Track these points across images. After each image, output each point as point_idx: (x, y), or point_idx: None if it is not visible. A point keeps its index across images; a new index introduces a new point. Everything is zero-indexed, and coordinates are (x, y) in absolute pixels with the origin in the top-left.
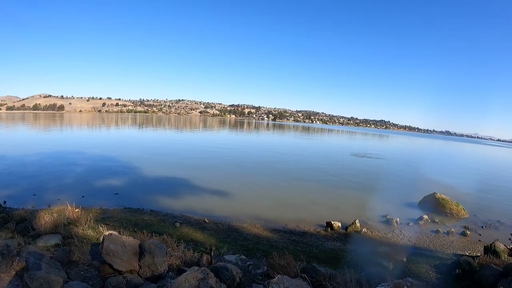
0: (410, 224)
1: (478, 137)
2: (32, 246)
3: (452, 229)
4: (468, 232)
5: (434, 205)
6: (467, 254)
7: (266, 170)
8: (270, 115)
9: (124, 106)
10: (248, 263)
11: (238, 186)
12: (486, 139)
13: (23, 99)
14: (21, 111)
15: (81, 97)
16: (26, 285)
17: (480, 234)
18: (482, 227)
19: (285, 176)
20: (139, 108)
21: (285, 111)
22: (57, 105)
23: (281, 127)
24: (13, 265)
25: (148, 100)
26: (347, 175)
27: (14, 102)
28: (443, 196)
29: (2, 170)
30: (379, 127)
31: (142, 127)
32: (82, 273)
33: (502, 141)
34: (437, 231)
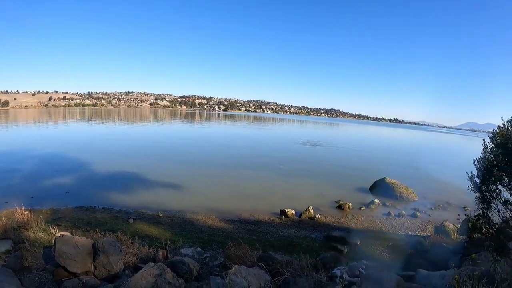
0: (362, 208)
1: (425, 124)
2: None
3: (403, 212)
4: (418, 214)
5: (385, 189)
6: (418, 234)
7: (218, 161)
8: (221, 106)
9: (72, 100)
10: (205, 255)
11: (191, 178)
12: (433, 126)
13: None
14: None
15: (27, 92)
16: None
17: (429, 215)
18: (432, 208)
19: (238, 166)
20: (87, 102)
21: (236, 101)
22: (1, 101)
23: (232, 117)
24: None
25: (96, 93)
26: (299, 163)
27: None
28: (393, 180)
29: None
30: (329, 115)
31: (90, 122)
32: (36, 278)
33: (448, 127)
34: (388, 214)
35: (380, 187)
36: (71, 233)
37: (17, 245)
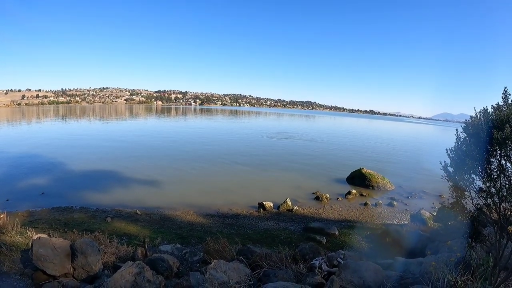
0: (340, 199)
1: (400, 115)
2: None
3: (380, 201)
4: (395, 203)
5: (361, 179)
6: (396, 223)
7: (194, 157)
8: (197, 100)
9: (46, 98)
10: (184, 251)
11: (168, 174)
12: (408, 117)
13: None
14: None
15: None
16: None
17: (406, 204)
18: (408, 197)
19: (215, 161)
20: (61, 99)
21: (212, 96)
22: None
23: (209, 111)
24: None
25: (70, 90)
26: (276, 157)
27: None
28: (369, 171)
29: None
30: (306, 108)
31: (64, 119)
32: (15, 283)
33: (423, 118)
34: (365, 204)
35: (356, 178)
36: (49, 235)
37: None
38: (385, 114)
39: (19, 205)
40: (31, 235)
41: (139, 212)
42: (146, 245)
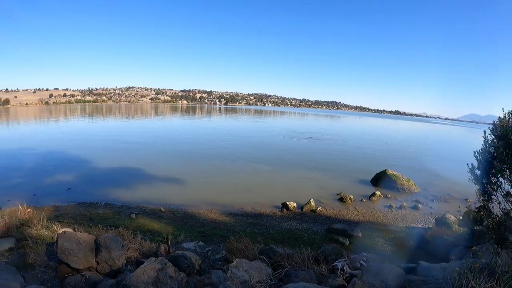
0: (364, 200)
1: (426, 116)
2: None
3: (404, 204)
4: (420, 206)
5: (386, 181)
6: (420, 226)
7: (218, 156)
8: (222, 99)
9: (72, 96)
10: (206, 249)
11: (192, 173)
12: (434, 118)
13: None
14: None
15: (27, 89)
16: None
17: (431, 207)
18: (433, 200)
19: (238, 161)
20: (88, 98)
21: (237, 95)
22: (2, 99)
23: (233, 111)
24: None
25: (97, 89)
26: (299, 156)
27: None
28: (394, 172)
29: None
30: (330, 108)
31: (91, 118)
32: (39, 275)
33: (450, 119)
34: (390, 206)
35: (381, 179)
36: (73, 229)
37: (20, 243)
38: (411, 114)
39: (46, 200)
40: (56, 229)
41: (163, 210)
42: (169, 242)
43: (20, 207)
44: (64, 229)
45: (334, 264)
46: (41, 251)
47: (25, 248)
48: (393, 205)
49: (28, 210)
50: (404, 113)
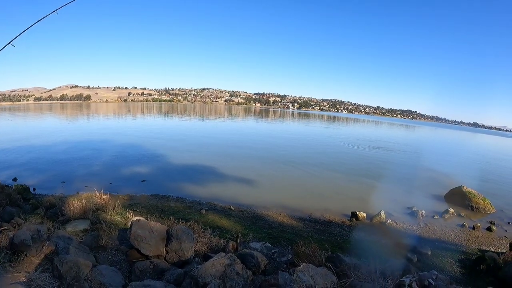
0: (436, 217)
1: (507, 130)
2: (61, 231)
3: (478, 224)
4: (494, 228)
5: (461, 198)
6: (492, 250)
7: (290, 159)
8: (295, 104)
9: (150, 95)
10: (273, 250)
11: (263, 174)
12: None
13: (50, 90)
14: (49, 102)
15: (107, 87)
16: (56, 268)
17: (506, 230)
18: (509, 223)
19: (309, 165)
20: (164, 97)
21: (311, 100)
22: (84, 95)
23: (306, 115)
24: (43, 249)
25: (173, 89)
26: (373, 166)
27: (42, 93)
28: (470, 189)
29: (31, 158)
30: (405, 117)
31: (167, 116)
32: (110, 257)
33: None
34: (462, 225)
35: (455, 196)
36: (146, 218)
37: (94, 225)
38: (490, 127)
39: (121, 189)
40: (129, 217)
41: (232, 208)
42: (238, 240)
43: (97, 193)
44: (138, 217)
45: (402, 279)
46: (113, 235)
47: (98, 230)
48: (466, 224)
49: (104, 196)
50: (483, 126)
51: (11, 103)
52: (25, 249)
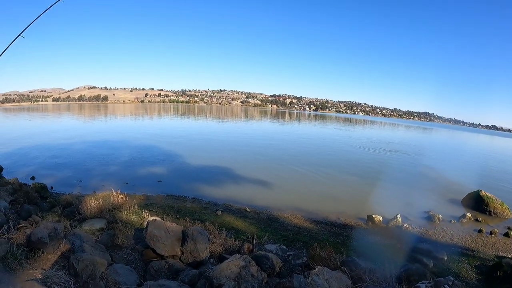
0: (453, 221)
1: None
2: (78, 230)
3: (496, 229)
4: None
5: (478, 203)
6: (510, 256)
7: (306, 161)
8: (311, 106)
9: (166, 96)
10: (288, 253)
11: (279, 176)
12: None
13: (68, 91)
14: (67, 102)
15: (124, 88)
16: (72, 266)
17: None
18: None
19: (326, 168)
20: (181, 98)
21: (327, 102)
22: (101, 96)
23: (322, 117)
24: (59, 247)
25: (189, 91)
26: (389, 169)
27: (60, 93)
28: (488, 194)
29: (49, 157)
30: (422, 119)
31: (184, 117)
32: (125, 256)
33: None
34: (479, 231)
35: (473, 200)
36: (162, 218)
37: (111, 225)
38: (509, 130)
39: (137, 189)
40: (145, 217)
41: (248, 210)
42: (254, 242)
43: (114, 193)
44: (153, 217)
45: (417, 285)
46: (129, 234)
47: (115, 230)
48: (483, 229)
49: (121, 196)
50: (502, 129)
51: (29, 103)
52: (42, 247)
